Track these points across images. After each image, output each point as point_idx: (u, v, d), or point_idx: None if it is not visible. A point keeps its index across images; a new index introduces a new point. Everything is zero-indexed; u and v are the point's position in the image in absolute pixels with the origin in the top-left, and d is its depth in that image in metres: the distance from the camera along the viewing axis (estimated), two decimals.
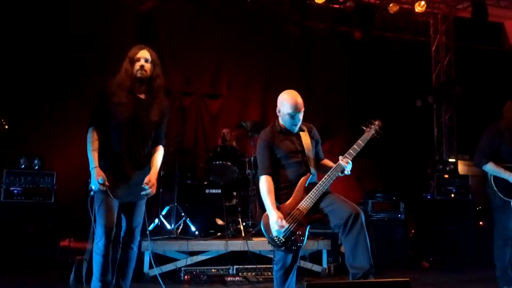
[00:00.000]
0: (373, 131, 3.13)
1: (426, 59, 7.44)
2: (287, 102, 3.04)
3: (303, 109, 3.04)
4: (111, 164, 2.82)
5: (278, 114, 3.12)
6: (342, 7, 6.69)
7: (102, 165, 2.78)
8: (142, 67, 2.87)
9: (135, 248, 2.98)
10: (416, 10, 6.70)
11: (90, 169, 2.76)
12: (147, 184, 2.81)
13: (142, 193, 2.83)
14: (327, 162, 3.23)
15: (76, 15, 5.74)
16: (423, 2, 6.64)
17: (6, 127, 3.75)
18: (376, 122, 3.17)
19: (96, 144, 2.82)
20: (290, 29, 6.43)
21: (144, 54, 2.91)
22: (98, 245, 2.77)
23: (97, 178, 2.69)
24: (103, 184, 2.69)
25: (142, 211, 2.97)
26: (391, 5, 6.56)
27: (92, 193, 2.79)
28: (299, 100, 3.03)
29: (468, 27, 7.13)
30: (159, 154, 3.02)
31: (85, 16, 5.76)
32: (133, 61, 2.88)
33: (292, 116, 3.03)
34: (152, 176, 2.87)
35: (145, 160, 2.92)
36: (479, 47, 7.53)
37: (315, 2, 6.30)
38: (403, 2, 6.75)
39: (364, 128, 3.17)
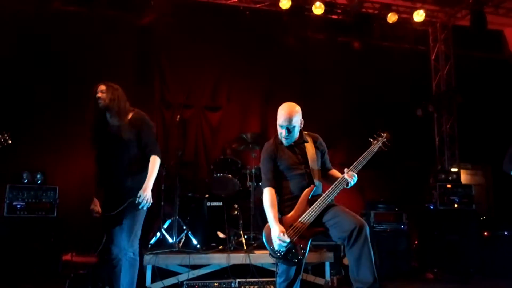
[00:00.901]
0: (380, 144, 3.12)
1: (425, 68, 7.45)
2: (279, 114, 3.08)
3: (295, 124, 3.04)
4: (102, 185, 3.31)
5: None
6: (341, 18, 6.74)
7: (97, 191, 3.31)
8: (98, 98, 3.26)
9: (130, 252, 3.16)
10: (415, 19, 6.72)
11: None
12: (139, 197, 3.13)
13: (131, 200, 3.14)
14: (334, 172, 3.23)
15: (77, 30, 5.80)
16: (421, 11, 6.67)
17: (10, 141, 3.78)
18: (384, 134, 3.16)
19: (97, 176, 3.35)
20: (289, 41, 6.46)
21: (98, 88, 3.31)
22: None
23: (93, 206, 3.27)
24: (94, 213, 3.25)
25: (129, 220, 3.18)
26: (389, 15, 6.59)
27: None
28: (291, 114, 3.02)
29: (468, 35, 7.14)
30: (151, 164, 3.27)
31: (86, 31, 5.81)
32: (95, 95, 3.28)
33: (282, 128, 3.05)
34: (144, 188, 3.16)
35: (128, 175, 3.22)
36: (479, 55, 7.53)
37: (313, 13, 6.35)
38: (402, 11, 6.78)
39: (372, 140, 3.16)
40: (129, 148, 3.24)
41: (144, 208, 3.19)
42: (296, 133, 3.11)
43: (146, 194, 3.13)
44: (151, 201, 3.19)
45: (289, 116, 3.02)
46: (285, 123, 3.03)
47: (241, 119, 6.46)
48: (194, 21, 6.21)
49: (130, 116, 3.32)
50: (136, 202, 3.11)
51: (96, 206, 3.25)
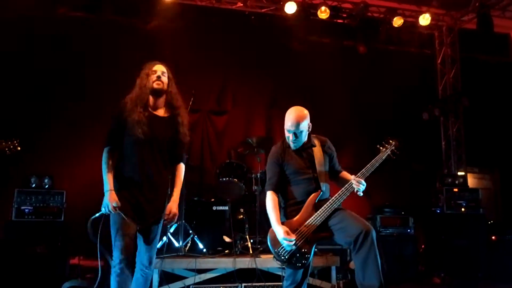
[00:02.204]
0: (389, 151, 3.12)
1: (432, 72, 7.43)
2: (286, 118, 3.09)
3: (302, 129, 3.04)
4: (127, 185, 2.75)
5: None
6: (346, 22, 6.75)
7: (117, 187, 2.73)
8: (158, 77, 2.86)
9: (150, 270, 2.87)
10: (421, 23, 6.70)
11: (104, 191, 2.70)
12: (168, 215, 2.81)
13: (162, 220, 2.83)
14: (345, 175, 3.22)
15: (84, 36, 5.86)
16: (427, 15, 6.64)
17: (19, 148, 3.82)
18: (393, 142, 3.15)
19: (111, 166, 2.77)
20: (294, 45, 6.47)
21: (160, 68, 2.93)
22: (115, 268, 2.72)
23: (110, 202, 2.64)
24: (115, 208, 2.65)
25: (158, 233, 2.89)
26: (395, 18, 6.58)
27: (97, 214, 2.74)
28: (298, 119, 3.02)
29: (474, 39, 7.13)
30: (180, 174, 2.94)
31: (92, 37, 5.87)
32: (149, 74, 2.88)
33: (289, 133, 3.06)
34: (172, 206, 2.83)
35: (163, 181, 2.85)
36: (485, 58, 7.51)
37: (319, 17, 6.36)
38: (407, 15, 6.78)
39: (380, 147, 3.15)
40: (165, 146, 2.87)
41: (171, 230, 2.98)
42: (304, 138, 3.11)
43: (174, 211, 2.83)
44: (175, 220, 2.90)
45: (296, 121, 3.02)
46: (292, 127, 3.03)
47: (247, 123, 6.47)
48: (200, 26, 6.25)
49: (180, 108, 2.95)
50: (165, 222, 2.84)
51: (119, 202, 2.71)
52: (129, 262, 2.73)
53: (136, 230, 2.78)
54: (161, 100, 2.90)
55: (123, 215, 2.68)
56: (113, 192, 2.69)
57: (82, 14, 5.94)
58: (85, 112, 5.62)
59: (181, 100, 2.98)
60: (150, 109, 2.86)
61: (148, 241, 2.82)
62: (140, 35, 6.10)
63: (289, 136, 3.07)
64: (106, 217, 2.72)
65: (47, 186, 4.80)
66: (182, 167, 2.98)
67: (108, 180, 2.72)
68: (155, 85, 2.84)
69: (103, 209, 2.68)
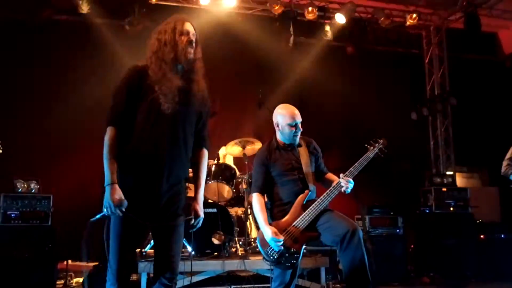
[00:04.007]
0: (377, 150, 3.15)
1: (420, 72, 7.47)
2: (285, 113, 3.11)
3: (301, 119, 3.11)
4: (138, 175, 2.10)
5: (277, 128, 3.17)
6: (334, 22, 6.76)
7: (123, 179, 2.08)
8: (191, 43, 2.19)
9: (174, 281, 2.21)
10: (408, 23, 6.74)
11: (105, 186, 2.06)
12: (196, 218, 2.24)
13: (192, 224, 2.27)
14: (330, 176, 3.25)
15: (69, 38, 5.82)
16: (414, 15, 6.67)
17: (0, 151, 3.78)
18: (381, 141, 3.19)
19: (115, 151, 2.08)
20: (282, 46, 6.46)
21: (191, 28, 2.26)
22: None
23: (113, 199, 2.02)
24: (121, 209, 2.03)
25: (180, 235, 2.24)
26: (382, 18, 6.60)
27: (98, 216, 2.21)
28: (296, 110, 3.13)
29: (461, 38, 7.18)
30: (204, 165, 2.34)
31: (79, 39, 5.83)
32: (182, 33, 2.20)
33: (293, 126, 3.08)
34: (198, 204, 2.27)
35: (185, 169, 2.24)
36: (473, 57, 7.57)
37: (306, 18, 6.36)
38: (395, 15, 6.81)
39: (368, 146, 3.18)
40: (192, 126, 2.27)
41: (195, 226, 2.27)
42: None
43: (200, 207, 2.26)
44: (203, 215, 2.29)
45: (297, 111, 3.12)
46: (298, 118, 3.10)
47: (235, 125, 6.46)
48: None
49: (203, 81, 2.33)
50: (191, 222, 2.24)
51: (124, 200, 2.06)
52: (127, 282, 2.15)
53: (146, 231, 2.24)
54: (186, 68, 2.25)
55: (132, 216, 2.06)
56: (117, 186, 2.04)
57: (67, 17, 5.89)
58: (72, 115, 5.57)
59: (203, 68, 2.36)
60: (178, 77, 2.18)
61: (166, 244, 2.18)
62: (127, 37, 6.06)
63: (293, 130, 3.09)
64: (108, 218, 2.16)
65: (33, 191, 4.74)
66: (205, 154, 2.39)
67: (110, 171, 2.05)
68: (188, 54, 2.18)
69: (104, 209, 2.06)
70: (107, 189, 2.05)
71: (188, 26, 2.25)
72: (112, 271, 2.10)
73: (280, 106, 3.21)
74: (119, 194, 2.03)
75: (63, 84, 5.75)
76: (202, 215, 2.27)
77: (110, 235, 2.13)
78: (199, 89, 2.28)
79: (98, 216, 2.23)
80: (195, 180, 2.33)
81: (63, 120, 5.54)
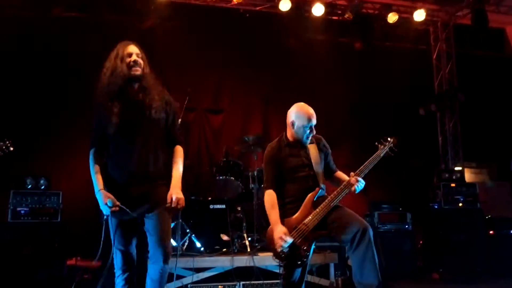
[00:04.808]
0: (387, 149, 3.13)
1: (427, 67, 7.43)
2: (303, 114, 3.08)
3: (316, 121, 3.11)
4: (117, 181, 2.53)
5: (291, 127, 3.13)
6: (341, 19, 6.73)
7: (108, 185, 2.52)
8: (135, 62, 2.56)
9: (166, 265, 2.56)
10: (415, 19, 6.71)
11: (96, 194, 2.51)
12: (169, 203, 2.52)
13: (173, 208, 2.53)
14: (340, 174, 3.23)
15: (78, 36, 5.82)
16: (422, 11, 6.65)
17: (12, 148, 3.80)
18: (391, 140, 3.17)
19: (98, 167, 2.56)
20: (289, 42, 6.45)
21: (135, 49, 2.62)
22: (119, 279, 2.57)
23: (105, 201, 2.43)
24: (114, 206, 2.43)
25: (163, 220, 2.55)
26: (390, 14, 6.58)
27: (105, 217, 2.55)
28: (312, 111, 3.11)
29: (469, 34, 7.14)
30: (177, 159, 2.65)
31: (88, 37, 5.83)
32: (123, 58, 2.57)
33: (309, 128, 3.07)
34: (172, 190, 2.55)
35: (156, 168, 2.57)
36: (481, 53, 7.53)
37: (313, 14, 6.35)
38: (402, 11, 6.77)
39: (378, 145, 3.16)
40: (157, 129, 2.60)
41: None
42: None
43: (178, 195, 2.52)
44: (184, 203, 2.57)
45: (313, 112, 3.10)
46: (314, 120, 3.08)
47: (243, 122, 6.47)
48: (195, 25, 6.23)
49: (161, 89, 2.67)
50: (167, 205, 2.52)
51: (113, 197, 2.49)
52: (133, 269, 2.61)
53: (138, 225, 2.60)
54: (138, 84, 2.60)
55: (125, 209, 2.46)
56: (104, 191, 2.47)
57: (77, 14, 5.90)
58: (81, 112, 5.58)
59: (154, 79, 2.68)
60: (129, 95, 2.56)
61: (153, 230, 2.54)
62: (135, 34, 6.07)
63: (307, 131, 3.08)
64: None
65: (43, 187, 4.77)
66: (179, 150, 2.70)
67: (97, 181, 2.52)
68: (133, 72, 2.54)
69: (103, 211, 2.49)
70: (98, 196, 2.49)
71: (131, 49, 2.61)
72: (119, 257, 2.56)
73: (298, 105, 3.16)
74: (107, 196, 2.46)
75: (75, 83, 5.75)
76: (174, 197, 2.51)
77: (109, 231, 2.56)
78: (153, 99, 2.58)
79: (105, 218, 2.57)
80: (172, 172, 2.64)
81: (73, 120, 5.55)
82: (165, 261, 2.54)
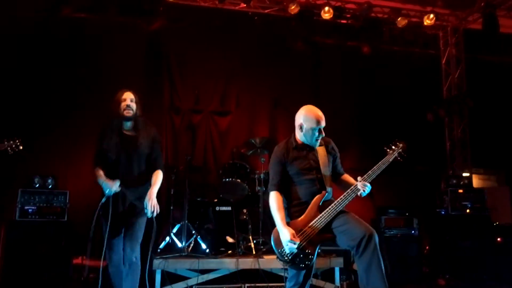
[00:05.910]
0: (396, 154, 3.11)
1: (436, 72, 7.38)
2: (312, 116, 3.06)
3: (325, 123, 3.09)
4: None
5: (299, 130, 3.11)
6: (350, 23, 6.72)
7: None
8: (128, 106, 3.28)
9: (135, 260, 3.25)
10: (425, 23, 6.67)
11: (101, 184, 3.21)
12: (145, 206, 3.20)
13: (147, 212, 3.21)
14: (347, 178, 3.21)
15: (88, 37, 5.87)
16: (432, 15, 6.60)
17: (21, 147, 3.84)
18: (401, 145, 3.14)
19: (100, 170, 3.27)
20: (298, 45, 6.44)
21: (128, 95, 3.33)
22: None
23: (112, 184, 3.14)
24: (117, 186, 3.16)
25: (138, 223, 3.27)
26: (399, 19, 6.55)
27: (103, 199, 3.18)
28: (321, 113, 3.09)
29: (479, 39, 7.08)
30: (157, 176, 3.35)
31: (97, 38, 5.88)
32: (119, 102, 3.29)
33: (318, 130, 3.05)
34: (148, 196, 3.21)
35: (139, 183, 3.30)
36: (490, 58, 7.46)
37: (322, 18, 6.34)
38: (412, 15, 6.74)
39: (387, 149, 3.14)
40: (142, 160, 3.33)
41: (150, 216, 3.21)
42: None
43: (152, 201, 3.20)
44: (158, 209, 3.24)
45: (322, 115, 3.07)
46: (323, 123, 3.06)
47: (250, 124, 6.46)
48: (203, 27, 6.24)
49: (149, 129, 3.40)
50: (145, 211, 3.18)
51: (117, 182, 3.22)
52: (120, 259, 3.22)
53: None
54: (131, 122, 3.34)
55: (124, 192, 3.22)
56: (108, 179, 3.19)
57: (86, 15, 5.95)
58: (88, 112, 5.63)
59: (143, 121, 3.40)
60: (123, 131, 3.33)
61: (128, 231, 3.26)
62: (144, 36, 6.11)
63: (316, 134, 3.06)
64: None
65: (50, 186, 4.81)
66: (158, 173, 3.37)
67: (100, 175, 3.23)
68: (125, 114, 3.28)
69: (107, 190, 3.15)
70: (104, 184, 3.21)
71: (126, 95, 3.33)
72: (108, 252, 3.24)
73: (306, 107, 3.12)
74: (112, 182, 3.18)
75: (82, 83, 5.79)
76: (152, 201, 3.20)
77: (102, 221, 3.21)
78: (143, 136, 3.33)
79: (103, 200, 3.19)
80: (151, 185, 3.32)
81: (81, 120, 5.60)
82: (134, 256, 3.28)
